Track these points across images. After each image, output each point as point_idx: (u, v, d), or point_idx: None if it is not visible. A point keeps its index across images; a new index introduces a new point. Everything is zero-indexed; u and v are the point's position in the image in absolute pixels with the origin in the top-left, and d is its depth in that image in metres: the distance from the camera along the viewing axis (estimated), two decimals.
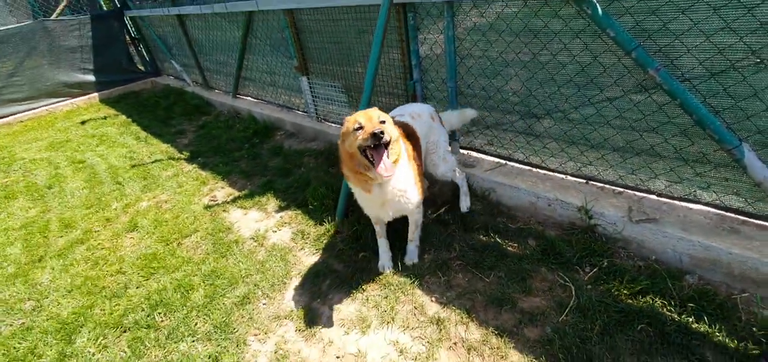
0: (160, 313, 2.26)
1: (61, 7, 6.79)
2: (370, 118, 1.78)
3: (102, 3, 7.61)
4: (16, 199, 3.91)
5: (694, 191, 2.01)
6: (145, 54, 7.89)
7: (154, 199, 3.51)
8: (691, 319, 1.71)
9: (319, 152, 3.85)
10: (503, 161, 2.79)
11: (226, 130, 4.89)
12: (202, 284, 2.42)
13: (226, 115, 5.47)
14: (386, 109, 3.33)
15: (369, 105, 2.59)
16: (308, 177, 3.34)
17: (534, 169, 2.64)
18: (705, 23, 1.68)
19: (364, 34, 3.16)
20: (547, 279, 2.06)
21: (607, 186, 2.33)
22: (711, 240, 1.83)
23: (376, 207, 2.07)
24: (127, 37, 7.58)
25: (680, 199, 2.07)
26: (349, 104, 3.72)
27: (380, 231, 2.31)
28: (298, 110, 4.58)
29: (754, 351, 1.57)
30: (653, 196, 2.16)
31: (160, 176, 3.93)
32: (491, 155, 2.87)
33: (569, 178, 2.48)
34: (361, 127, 1.76)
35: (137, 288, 2.50)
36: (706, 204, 2.00)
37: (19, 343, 2.21)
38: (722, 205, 1.96)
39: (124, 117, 6.14)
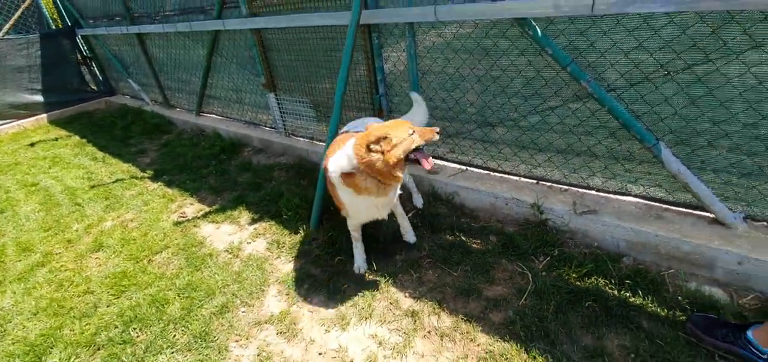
0: (135, 329, 2.26)
1: (7, 26, 6.46)
2: (399, 126, 1.98)
3: (50, 22, 7.31)
4: None
5: (626, 185, 2.33)
6: (98, 73, 7.62)
7: (118, 219, 3.45)
8: (628, 294, 1.99)
9: (289, 166, 3.94)
10: (464, 167, 3.03)
11: (191, 147, 4.86)
12: (177, 297, 2.44)
13: (190, 133, 5.42)
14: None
15: (340, 119, 2.75)
16: (280, 189, 3.42)
17: (492, 173, 2.90)
18: (623, 42, 2.00)
19: (332, 51, 3.34)
20: (507, 269, 2.29)
21: (554, 184, 2.62)
22: (641, 226, 2.14)
23: (380, 209, 2.21)
24: (79, 56, 7.30)
25: (615, 193, 2.39)
26: (317, 119, 3.86)
27: (357, 236, 2.45)
28: (266, 126, 4.65)
29: (681, 318, 1.85)
30: (593, 191, 2.46)
31: (123, 195, 3.85)
32: (453, 162, 3.11)
33: (523, 179, 2.75)
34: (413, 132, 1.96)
35: (108, 306, 2.47)
36: (636, 195, 2.32)
37: None
38: (648, 196, 2.28)
39: (77, 137, 5.90)
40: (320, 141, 3.99)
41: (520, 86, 2.46)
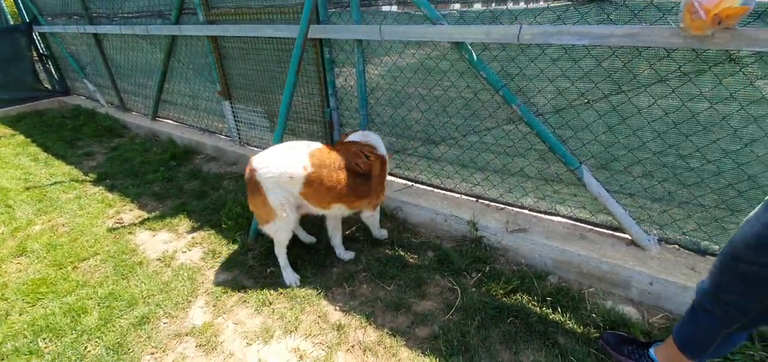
0: (44, 339, 2.12)
1: None
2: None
3: (9, 17, 7.00)
4: None
5: (555, 206, 2.41)
6: (53, 72, 7.31)
7: (49, 223, 3.27)
8: (549, 311, 2.03)
9: (239, 175, 3.87)
10: (410, 183, 3.06)
11: (141, 152, 4.69)
12: (96, 307, 2.31)
13: (143, 138, 5.24)
14: (306, 135, 3.50)
15: (284, 129, 2.74)
16: (225, 198, 3.34)
17: (435, 190, 2.94)
18: (548, 70, 2.09)
19: (286, 63, 3.33)
20: (439, 285, 2.30)
21: (492, 202, 2.68)
22: (566, 245, 2.21)
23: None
24: (35, 53, 6.99)
25: (545, 213, 2.47)
26: (271, 129, 3.82)
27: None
28: (221, 134, 4.56)
29: (595, 335, 1.91)
30: (525, 211, 2.53)
31: (59, 198, 3.66)
32: (400, 177, 3.14)
33: (463, 196, 2.80)
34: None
35: (20, 314, 2.31)
36: (563, 216, 2.41)
37: None
38: (574, 217, 2.37)
39: (22, 137, 5.59)
40: None
41: (460, 106, 2.52)
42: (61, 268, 2.68)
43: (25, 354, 2.03)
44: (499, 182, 2.57)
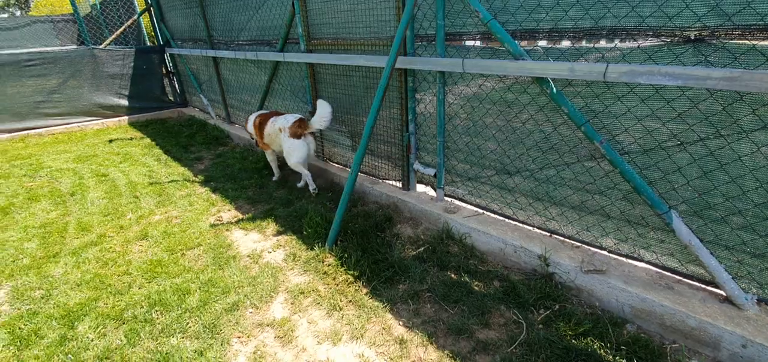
0: (157, 311, 2.52)
1: (110, 38, 7.57)
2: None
3: (147, 39, 8.44)
4: (39, 202, 4.29)
5: (638, 250, 2.27)
6: (176, 86, 8.58)
7: (165, 214, 3.86)
8: (624, 361, 1.92)
9: (320, 187, 4.20)
10: (481, 210, 3.08)
11: (240, 160, 5.31)
12: (198, 290, 2.69)
13: (243, 148, 5.92)
14: (385, 156, 3.69)
15: (365, 150, 2.96)
16: (307, 208, 3.66)
17: (506, 220, 2.92)
18: (636, 109, 2.02)
19: (371, 89, 3.60)
20: (504, 316, 2.29)
21: (566, 239, 2.60)
22: (648, 293, 2.07)
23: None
24: (164, 70, 8.31)
25: (626, 256, 2.33)
26: (352, 148, 4.11)
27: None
28: None
29: None
30: (604, 252, 2.42)
31: (174, 194, 4.29)
32: (471, 204, 3.18)
33: (535, 229, 2.76)
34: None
35: (139, 288, 2.77)
36: (647, 262, 2.25)
37: (25, 325, 2.47)
38: (660, 264, 2.21)
39: (148, 140, 6.65)
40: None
41: (538, 139, 2.52)
42: (172, 254, 3.15)
43: (142, 321, 2.44)
44: (576, 219, 2.50)
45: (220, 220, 3.69)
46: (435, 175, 3.27)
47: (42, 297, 2.72)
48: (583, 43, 2.20)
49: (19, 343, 2.30)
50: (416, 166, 3.46)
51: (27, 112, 6.99)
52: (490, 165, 2.89)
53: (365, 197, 3.89)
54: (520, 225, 2.85)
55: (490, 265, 2.75)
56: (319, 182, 4.40)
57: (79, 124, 7.46)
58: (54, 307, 2.60)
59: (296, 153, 3.89)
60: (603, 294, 2.24)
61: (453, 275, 2.66)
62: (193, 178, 4.79)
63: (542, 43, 2.30)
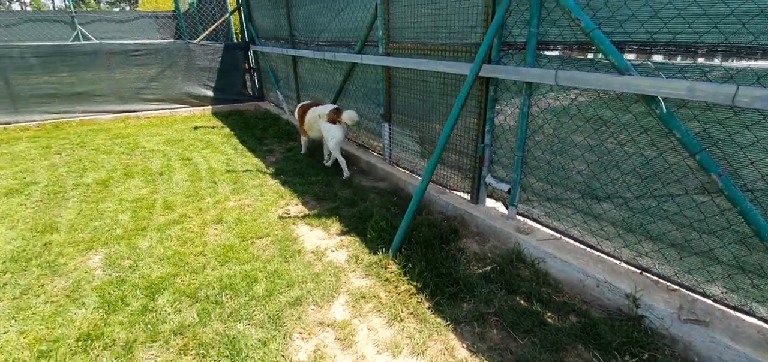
0: (227, 295, 2.62)
1: (204, 34, 8.24)
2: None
3: (234, 36, 9.07)
4: (133, 178, 4.73)
5: (751, 303, 1.93)
6: (255, 81, 9.12)
7: (238, 201, 4.05)
8: None
9: (385, 191, 4.17)
10: (557, 235, 2.84)
11: (308, 157, 5.46)
12: (264, 279, 2.76)
13: (311, 144, 6.09)
14: (455, 165, 3.57)
15: (440, 158, 2.86)
16: (371, 210, 3.64)
17: (588, 249, 2.66)
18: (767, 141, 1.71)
19: (447, 96, 3.50)
20: (582, 356, 2.06)
21: (661, 280, 2.29)
22: (760, 355, 1.74)
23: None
24: (247, 65, 8.87)
25: (735, 308, 1.99)
26: (422, 154, 4.03)
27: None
28: (374, 152, 5.00)
29: None
30: (708, 300, 2.08)
31: (247, 183, 4.51)
32: (547, 226, 2.94)
33: (622, 264, 2.47)
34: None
35: (213, 270, 2.91)
36: (761, 318, 1.90)
37: (114, 291, 2.69)
38: None
39: (228, 130, 7.11)
40: (419, 175, 4.14)
41: (637, 164, 2.25)
42: (243, 240, 3.29)
43: (213, 303, 2.55)
44: (676, 258, 2.19)
45: (287, 213, 3.80)
46: (509, 191, 3.08)
47: (129, 267, 2.96)
48: (702, 60, 1.93)
49: (107, 307, 2.51)
50: (488, 179, 3.29)
51: (129, 96, 7.81)
52: (574, 187, 2.64)
53: (430, 206, 3.78)
54: (605, 256, 2.57)
55: (566, 297, 2.51)
56: (384, 185, 4.37)
57: (170, 110, 8.20)
58: (139, 278, 2.82)
59: (334, 135, 4.54)
60: (703, 349, 1.93)
61: (523, 301, 2.46)
62: (265, 170, 5.00)
63: (657, 58, 2.04)
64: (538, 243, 2.76)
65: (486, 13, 2.84)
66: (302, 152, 5.53)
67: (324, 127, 4.63)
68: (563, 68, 2.39)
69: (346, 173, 4.59)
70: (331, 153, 4.69)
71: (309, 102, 5.24)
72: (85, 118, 7.52)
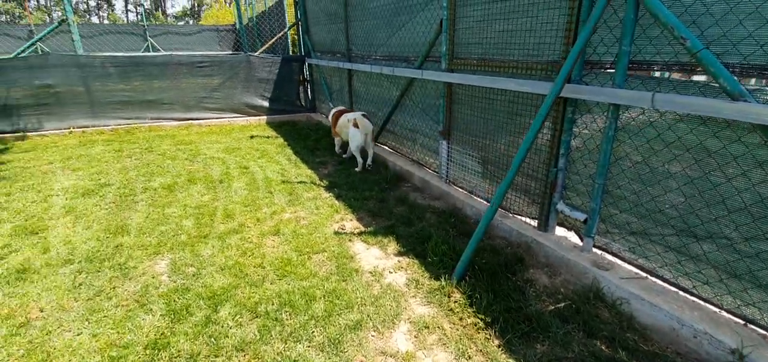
0: (286, 312, 2.59)
1: (264, 47, 8.57)
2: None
3: (290, 49, 9.37)
4: (195, 185, 4.91)
5: None
6: (308, 92, 9.33)
7: (294, 213, 4.07)
8: None
9: (441, 211, 4.02)
10: (643, 274, 2.56)
11: (361, 170, 5.43)
12: (322, 298, 2.70)
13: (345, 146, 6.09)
14: (521, 189, 3.36)
15: (511, 183, 2.69)
16: (429, 231, 3.51)
17: (681, 292, 2.36)
18: None
19: (516, 116, 3.31)
20: None
21: None
22: None
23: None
24: (301, 77, 9.11)
25: None
26: (483, 175, 3.85)
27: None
28: (429, 168, 4.87)
29: None
30: None
31: (302, 195, 4.54)
32: (630, 263, 2.66)
33: (724, 313, 2.16)
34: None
35: (272, 283, 2.90)
36: None
37: (178, 298, 2.73)
38: None
39: (281, 140, 7.28)
40: (479, 196, 3.96)
41: (749, 201, 1.97)
42: (300, 254, 3.27)
43: (273, 320, 2.51)
44: None
45: (343, 229, 3.75)
46: (585, 221, 2.83)
47: (193, 275, 3.02)
48: None
49: (173, 316, 2.55)
50: (560, 206, 3.06)
51: (193, 104, 8.24)
52: (668, 222, 2.37)
53: (492, 230, 3.59)
54: (704, 303, 2.27)
55: (656, 346, 2.23)
56: (440, 204, 4.22)
57: (228, 119, 8.55)
58: (202, 287, 2.85)
59: (355, 139, 5.28)
60: None
61: (605, 347, 2.22)
62: (319, 182, 5.02)
63: None
64: (621, 282, 2.50)
65: (567, 29, 2.65)
66: (336, 150, 6.23)
67: (350, 131, 5.34)
68: (661, 90, 2.15)
69: (358, 167, 5.43)
70: (357, 148, 5.36)
71: (342, 108, 6.03)
72: (153, 125, 8.02)
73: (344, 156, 5.99)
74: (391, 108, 5.41)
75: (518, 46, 3.12)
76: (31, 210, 4.14)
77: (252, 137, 7.45)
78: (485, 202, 3.84)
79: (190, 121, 8.27)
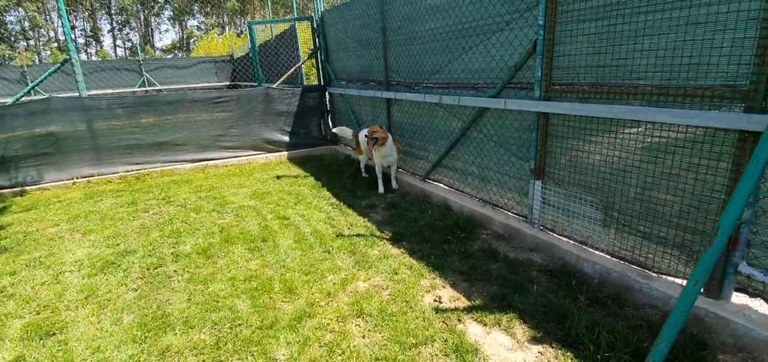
0: None
1: (283, 78, 7.91)
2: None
3: (304, 78, 8.72)
4: (234, 245, 4.14)
5: None
6: (330, 124, 8.65)
7: (370, 281, 3.32)
8: None
9: (549, 268, 3.30)
10: None
11: (419, 213, 4.71)
12: None
13: (413, 196, 5.37)
14: (677, 246, 2.64)
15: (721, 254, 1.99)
16: (560, 304, 2.78)
17: None
18: None
19: (662, 152, 2.65)
20: None
21: None
22: None
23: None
24: (324, 107, 8.45)
25: None
26: (603, 223, 3.16)
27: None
28: (509, 211, 4.17)
29: None
30: None
31: (368, 254, 3.79)
32: None
33: None
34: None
35: None
36: None
37: None
38: None
39: (312, 179, 6.53)
40: (592, 247, 3.26)
41: None
42: (402, 347, 2.52)
43: None
44: None
45: (439, 301, 3.01)
46: None
47: None
48: None
49: None
50: (743, 267, 2.37)
51: (208, 144, 7.49)
52: None
53: (629, 294, 2.87)
54: None
55: None
56: (540, 258, 3.51)
57: (247, 157, 7.81)
58: None
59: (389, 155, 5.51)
60: None
61: None
62: (378, 233, 4.29)
63: None
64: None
65: (763, 46, 2.01)
66: (362, 174, 6.54)
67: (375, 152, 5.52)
68: None
69: (380, 189, 5.69)
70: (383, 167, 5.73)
71: (363, 128, 6.20)
72: (164, 168, 7.23)
73: (365, 175, 6.39)
74: (450, 141, 4.73)
75: (658, 67, 2.49)
76: (42, 297, 3.33)
77: (278, 177, 6.71)
78: (608, 257, 3.14)
79: (205, 162, 7.51)
